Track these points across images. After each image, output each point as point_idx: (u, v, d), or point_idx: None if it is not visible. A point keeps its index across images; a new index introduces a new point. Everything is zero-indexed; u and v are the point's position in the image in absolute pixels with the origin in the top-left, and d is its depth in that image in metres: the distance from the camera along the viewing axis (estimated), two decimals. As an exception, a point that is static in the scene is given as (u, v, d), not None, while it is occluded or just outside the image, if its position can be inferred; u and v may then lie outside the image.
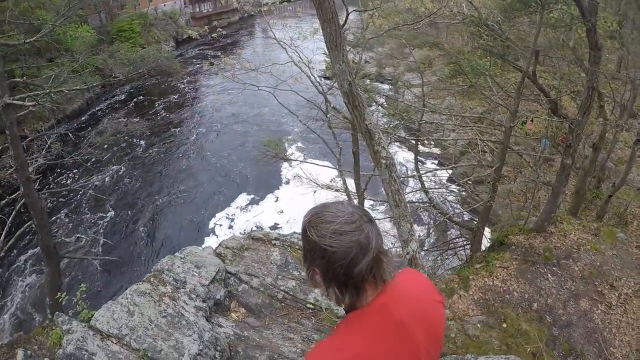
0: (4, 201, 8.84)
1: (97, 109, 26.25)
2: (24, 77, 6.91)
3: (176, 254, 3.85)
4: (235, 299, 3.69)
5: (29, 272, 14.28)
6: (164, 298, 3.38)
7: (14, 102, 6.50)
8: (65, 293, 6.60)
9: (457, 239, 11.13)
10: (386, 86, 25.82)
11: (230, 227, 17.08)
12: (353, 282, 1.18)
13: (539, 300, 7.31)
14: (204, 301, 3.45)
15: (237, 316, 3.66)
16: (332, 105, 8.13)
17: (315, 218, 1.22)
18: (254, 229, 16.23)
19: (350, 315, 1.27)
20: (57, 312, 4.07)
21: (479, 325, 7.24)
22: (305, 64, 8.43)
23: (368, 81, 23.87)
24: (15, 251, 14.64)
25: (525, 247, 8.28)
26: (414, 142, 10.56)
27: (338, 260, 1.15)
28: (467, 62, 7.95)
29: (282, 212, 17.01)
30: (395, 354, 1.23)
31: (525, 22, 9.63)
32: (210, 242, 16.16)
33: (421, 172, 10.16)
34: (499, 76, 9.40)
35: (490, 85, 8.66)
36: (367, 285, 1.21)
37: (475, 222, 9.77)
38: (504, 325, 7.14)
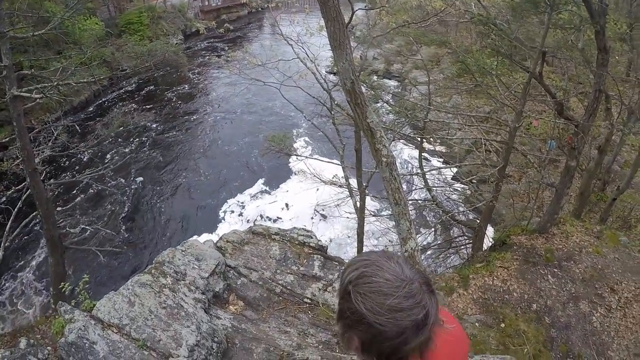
0: (10, 191, 8.95)
1: (104, 99, 26.36)
2: (32, 70, 6.99)
3: (177, 246, 3.91)
4: (234, 292, 3.74)
5: (33, 262, 14.45)
6: (164, 289, 3.44)
7: (22, 94, 6.58)
8: (68, 283, 6.72)
9: (460, 238, 11.13)
10: (393, 83, 25.74)
11: (235, 217, 17.12)
12: (397, 358, 1.00)
13: (539, 301, 7.31)
14: (203, 293, 3.51)
15: (235, 309, 3.71)
16: (336, 102, 8.12)
17: (364, 282, 1.00)
18: (257, 221, 16.34)
19: None
20: (60, 302, 4.15)
21: (477, 324, 7.26)
22: (311, 61, 8.45)
23: (375, 78, 23.85)
24: (20, 241, 14.85)
25: (527, 248, 8.29)
26: (419, 139, 10.56)
27: (387, 339, 0.97)
28: (474, 61, 7.92)
29: (287, 205, 17.02)
30: None
31: (534, 22, 9.56)
32: (214, 231, 16.30)
33: (425, 170, 10.16)
34: (506, 76, 9.35)
35: (496, 84, 8.62)
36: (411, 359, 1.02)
37: (478, 222, 9.76)
38: (502, 325, 7.15)
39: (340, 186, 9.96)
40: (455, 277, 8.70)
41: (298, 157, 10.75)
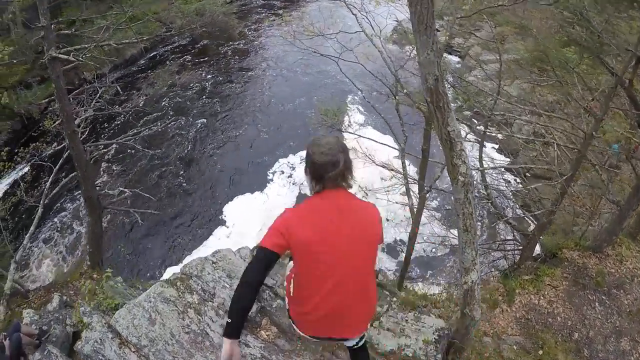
0: (52, 148, 8.90)
1: (158, 52, 25.89)
2: (74, 29, 6.62)
3: (208, 256, 3.44)
4: (268, 316, 3.27)
5: (71, 220, 14.85)
6: (188, 310, 3.01)
7: (60, 56, 6.25)
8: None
9: (509, 241, 10.25)
10: (454, 58, 23.81)
11: (284, 179, 16.84)
12: (322, 181, 2.10)
13: (581, 331, 6.79)
14: (232, 317, 3.04)
15: (268, 335, 3.25)
16: (405, 91, 7.16)
17: (313, 143, 2.16)
18: (303, 184, 15.87)
19: (311, 196, 2.19)
20: (79, 302, 3.83)
21: (514, 347, 6.82)
22: (377, 35, 7.49)
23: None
24: (60, 198, 15.19)
25: (579, 266, 7.69)
26: (480, 130, 9.58)
27: (318, 168, 2.08)
28: (556, 53, 6.75)
29: None
30: (323, 221, 2.08)
31: (622, 17, 8.07)
32: (263, 190, 16.28)
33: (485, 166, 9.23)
34: (589, 75, 8.08)
35: (576, 83, 7.46)
36: (328, 185, 2.10)
37: (532, 230, 8.86)
38: (540, 352, 6.64)
39: (391, 170, 9.23)
40: (500, 289, 8.11)
41: (352, 134, 9.99)
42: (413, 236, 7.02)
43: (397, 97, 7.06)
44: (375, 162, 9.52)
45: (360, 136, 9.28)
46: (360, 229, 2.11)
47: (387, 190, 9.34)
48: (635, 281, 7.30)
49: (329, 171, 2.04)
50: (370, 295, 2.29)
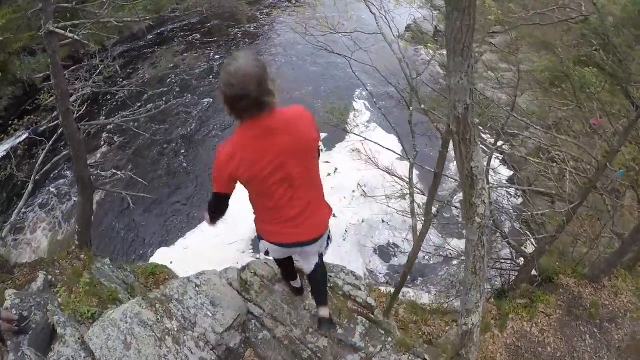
0: (46, 124, 8.59)
1: (166, 28, 25.21)
2: (74, 2, 6.26)
3: (191, 277, 3.18)
4: (253, 347, 3.04)
5: (62, 198, 14.51)
6: (167, 338, 2.77)
7: (57, 30, 5.90)
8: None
9: (506, 260, 10.06)
10: None
11: None
12: (236, 112, 2.03)
13: None
14: (213, 349, 2.80)
15: (251, 368, 3.01)
16: (422, 106, 6.73)
17: (225, 68, 1.96)
18: None
19: (239, 127, 2.12)
20: (52, 310, 3.57)
21: None
22: (395, 41, 7.05)
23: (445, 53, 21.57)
24: (51, 174, 14.82)
25: (574, 295, 7.65)
26: (490, 145, 9.27)
27: (227, 99, 1.99)
28: (579, 76, 6.41)
29: (336, 170, 16.30)
30: (259, 144, 2.09)
31: None
32: None
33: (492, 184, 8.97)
34: (608, 101, 7.78)
35: (594, 109, 7.17)
36: (244, 116, 2.05)
37: (531, 253, 8.67)
38: None
39: (395, 176, 8.96)
40: (493, 311, 8.00)
41: (358, 136, 9.72)
42: (412, 258, 6.76)
43: (411, 108, 6.69)
44: (379, 166, 9.25)
45: (365, 139, 8.94)
46: (295, 142, 2.13)
47: (389, 197, 9.09)
48: (628, 316, 7.24)
49: (239, 103, 1.96)
50: (321, 193, 2.51)
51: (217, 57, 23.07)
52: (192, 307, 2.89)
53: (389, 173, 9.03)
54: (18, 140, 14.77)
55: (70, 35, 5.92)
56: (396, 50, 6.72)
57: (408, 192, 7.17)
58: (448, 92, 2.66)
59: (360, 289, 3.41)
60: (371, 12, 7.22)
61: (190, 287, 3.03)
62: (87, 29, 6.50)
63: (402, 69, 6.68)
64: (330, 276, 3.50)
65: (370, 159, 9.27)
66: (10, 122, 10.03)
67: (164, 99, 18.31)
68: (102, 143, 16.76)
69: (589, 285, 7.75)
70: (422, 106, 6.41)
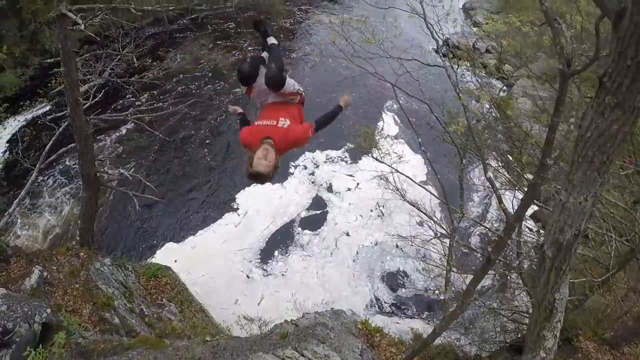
0: (51, 115, 7.97)
1: (200, 15, 24.49)
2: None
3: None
4: None
5: (66, 191, 14.01)
6: None
7: (69, 13, 5.27)
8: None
9: (523, 313, 9.01)
10: (499, 84, 21.96)
11: (305, 175, 15.97)
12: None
13: None
14: None
15: None
16: (489, 174, 5.63)
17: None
18: (320, 189, 14.84)
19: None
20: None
21: None
22: (453, 69, 6.07)
23: (484, 73, 20.24)
24: (57, 165, 14.38)
25: None
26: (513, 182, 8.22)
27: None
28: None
29: (358, 185, 15.43)
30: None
31: None
32: (282, 182, 15.37)
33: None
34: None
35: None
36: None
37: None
38: None
39: (420, 211, 8.09)
40: None
41: (389, 167, 8.88)
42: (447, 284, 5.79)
43: (464, 161, 5.74)
44: (406, 199, 8.38)
45: (396, 171, 8.07)
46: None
47: (415, 237, 8.26)
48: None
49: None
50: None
51: (250, 47, 22.28)
52: None
53: (415, 207, 8.15)
54: (33, 115, 14.29)
55: (80, 21, 5.26)
56: (464, 102, 5.72)
57: (438, 239, 6.25)
58: (554, 209, 1.89)
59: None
60: (428, 28, 6.28)
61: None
62: (103, 14, 5.87)
63: (468, 122, 5.68)
64: None
65: (398, 190, 8.42)
66: (32, 93, 9.37)
67: (185, 87, 17.52)
68: (112, 136, 16.12)
69: (609, 352, 7.42)
70: (489, 174, 5.33)
